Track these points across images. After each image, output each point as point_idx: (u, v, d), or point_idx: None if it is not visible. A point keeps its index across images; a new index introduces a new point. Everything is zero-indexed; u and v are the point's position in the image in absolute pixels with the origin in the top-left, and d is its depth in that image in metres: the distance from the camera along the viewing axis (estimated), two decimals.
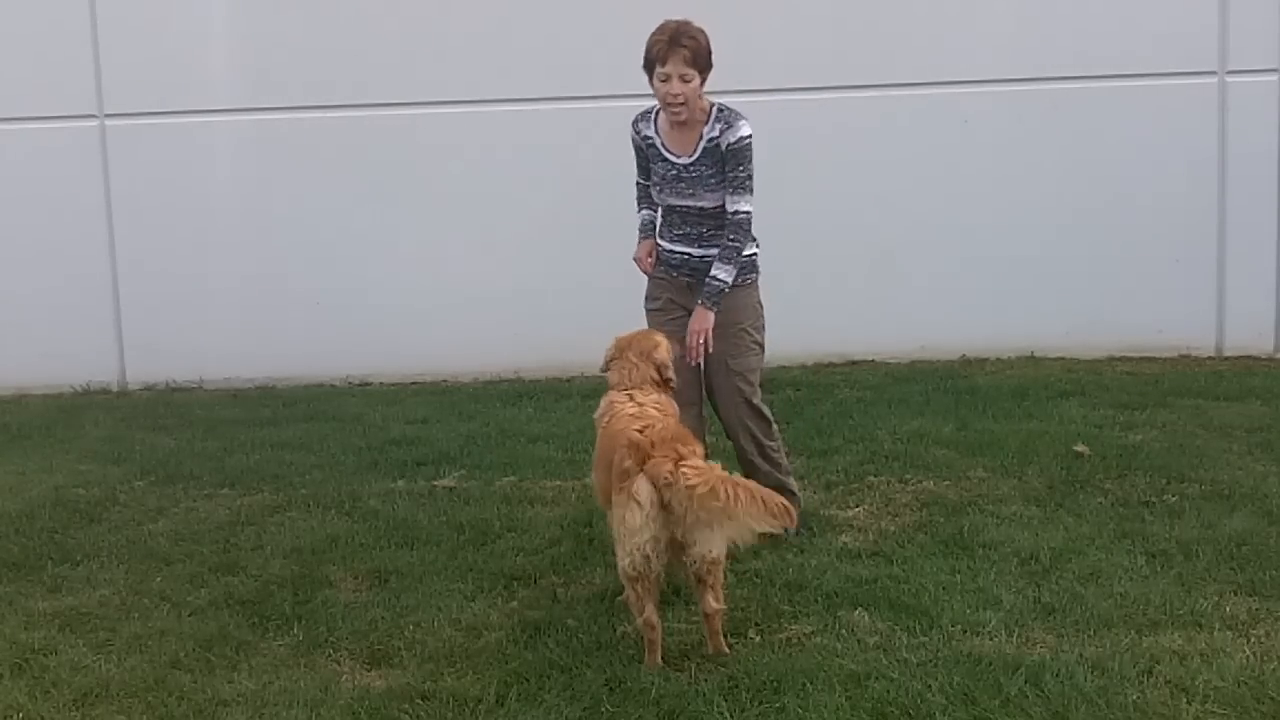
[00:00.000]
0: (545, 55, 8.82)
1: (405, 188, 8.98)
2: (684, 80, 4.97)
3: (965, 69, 8.67)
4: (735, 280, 5.20)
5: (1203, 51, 8.55)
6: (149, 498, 6.42)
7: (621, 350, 4.80)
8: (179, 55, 8.94)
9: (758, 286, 5.35)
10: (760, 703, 3.96)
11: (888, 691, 3.98)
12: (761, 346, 5.35)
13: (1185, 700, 3.88)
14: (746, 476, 5.25)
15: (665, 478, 4.07)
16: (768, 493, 4.08)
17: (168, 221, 9.06)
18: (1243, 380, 7.98)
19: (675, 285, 5.27)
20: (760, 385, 5.38)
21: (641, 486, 4.13)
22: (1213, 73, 8.58)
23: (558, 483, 6.32)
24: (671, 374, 4.82)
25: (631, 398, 4.65)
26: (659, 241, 5.39)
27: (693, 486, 4.01)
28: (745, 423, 5.28)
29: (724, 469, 4.22)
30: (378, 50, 8.87)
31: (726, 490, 4.02)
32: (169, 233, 9.06)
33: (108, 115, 9.04)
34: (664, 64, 4.97)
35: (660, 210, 5.37)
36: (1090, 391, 7.78)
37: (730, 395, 5.26)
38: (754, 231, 5.30)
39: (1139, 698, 3.91)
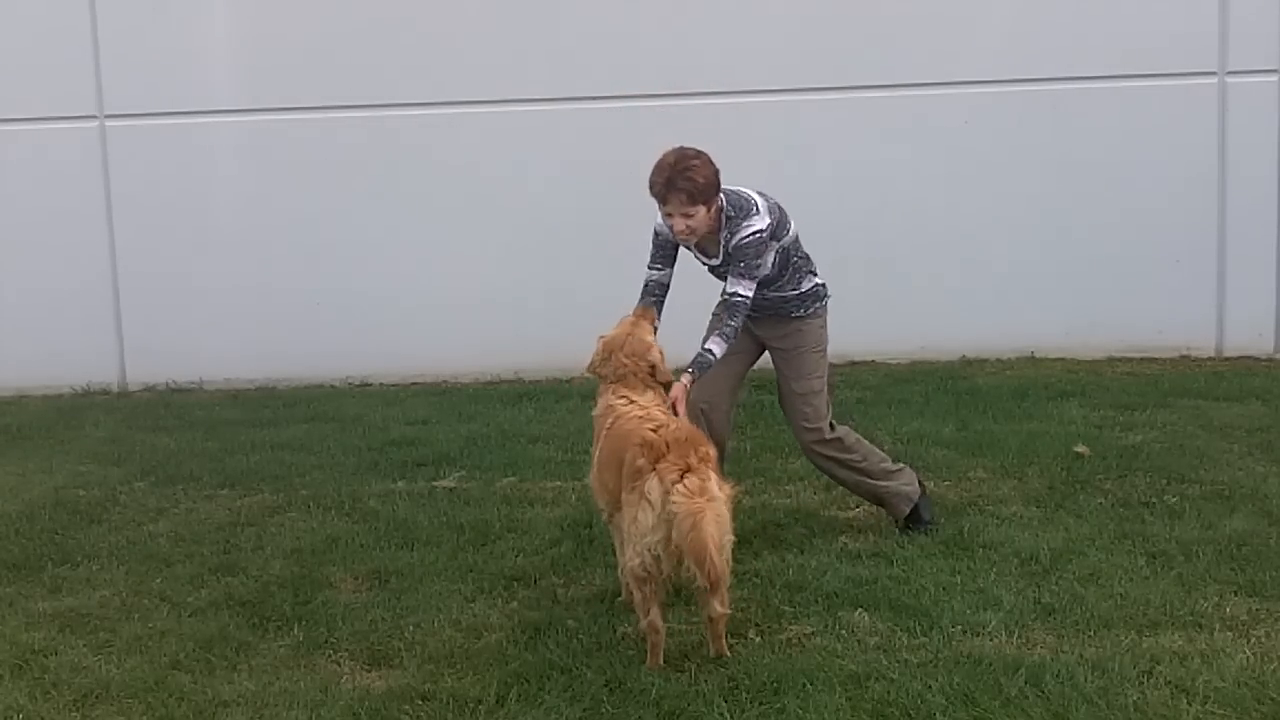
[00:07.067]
0: (545, 56, 8.83)
1: (405, 188, 8.98)
2: (687, 217, 4.96)
3: (965, 69, 8.68)
4: (801, 312, 5.28)
5: (1203, 51, 8.56)
6: (149, 498, 6.42)
7: (611, 352, 4.80)
8: (179, 56, 8.96)
9: (823, 314, 5.37)
10: (760, 703, 3.96)
11: (888, 692, 3.98)
12: (824, 369, 5.36)
13: (1186, 701, 3.88)
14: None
15: (667, 488, 4.10)
16: (712, 551, 4.03)
17: (168, 222, 9.08)
18: (1243, 381, 7.98)
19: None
20: (829, 405, 5.38)
21: (653, 486, 4.14)
22: (1213, 73, 8.59)
23: (558, 483, 6.32)
24: (667, 374, 4.83)
25: (629, 400, 4.65)
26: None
27: (674, 505, 4.05)
28: (811, 446, 5.35)
29: (732, 486, 4.29)
30: (377, 52, 8.88)
31: (689, 525, 4.02)
32: (169, 233, 9.08)
33: (108, 115, 9.05)
34: (664, 204, 4.97)
35: None
36: (1090, 392, 7.78)
37: (796, 419, 5.34)
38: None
39: (1139, 698, 3.91)
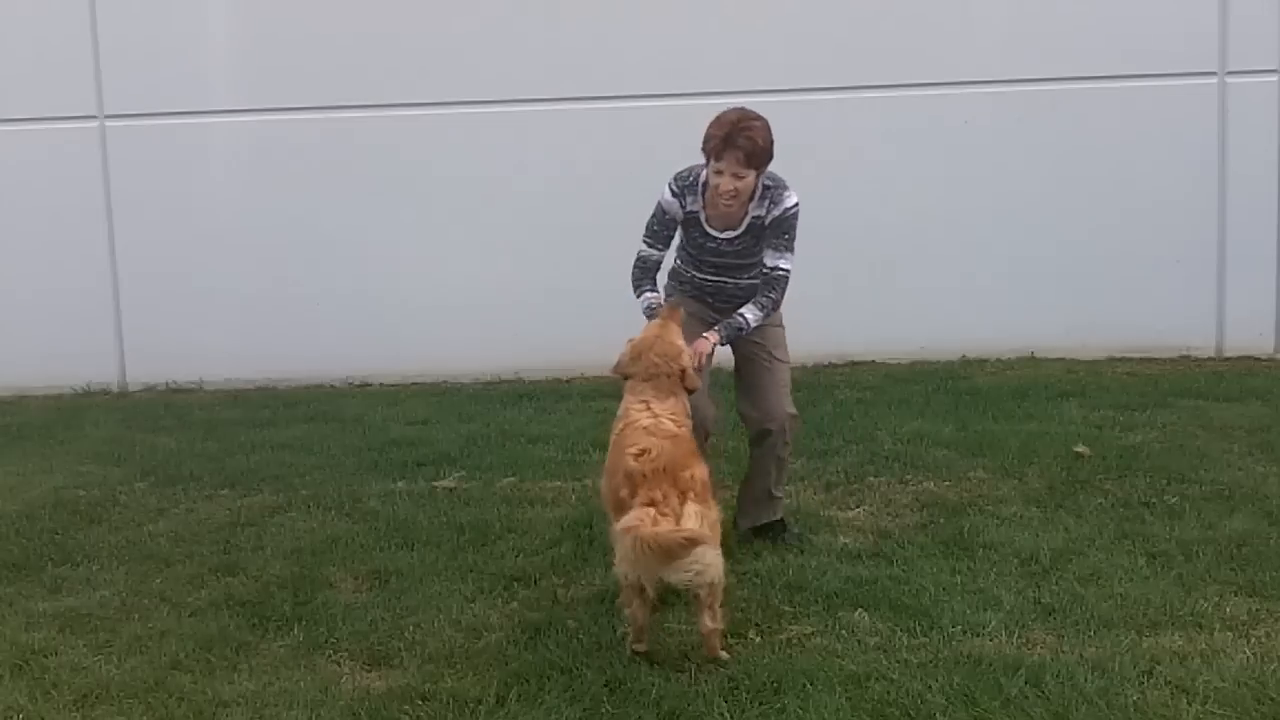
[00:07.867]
0: (545, 56, 8.82)
1: (405, 188, 8.98)
2: (737, 178, 4.86)
3: (965, 69, 8.68)
4: None
5: (1203, 52, 8.56)
6: (149, 499, 6.42)
7: (640, 353, 4.75)
8: (179, 55, 8.96)
9: None
10: (760, 704, 3.96)
11: (888, 692, 3.98)
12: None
13: (1186, 701, 3.88)
14: (750, 473, 5.34)
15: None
16: (663, 534, 4.03)
17: (168, 222, 9.08)
18: (1243, 381, 7.98)
19: (700, 303, 5.26)
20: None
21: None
22: (1213, 73, 8.59)
23: (558, 484, 6.32)
24: (695, 381, 4.78)
25: (648, 405, 4.61)
26: (687, 270, 5.32)
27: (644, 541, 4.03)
28: (788, 411, 5.26)
29: (718, 510, 4.33)
30: (377, 52, 8.88)
31: (641, 546, 4.02)
32: (169, 233, 9.07)
33: (108, 115, 9.05)
34: (718, 159, 4.85)
35: (685, 261, 5.29)
36: (1090, 392, 7.78)
37: (779, 389, 5.26)
38: None
39: (1139, 698, 3.91)
